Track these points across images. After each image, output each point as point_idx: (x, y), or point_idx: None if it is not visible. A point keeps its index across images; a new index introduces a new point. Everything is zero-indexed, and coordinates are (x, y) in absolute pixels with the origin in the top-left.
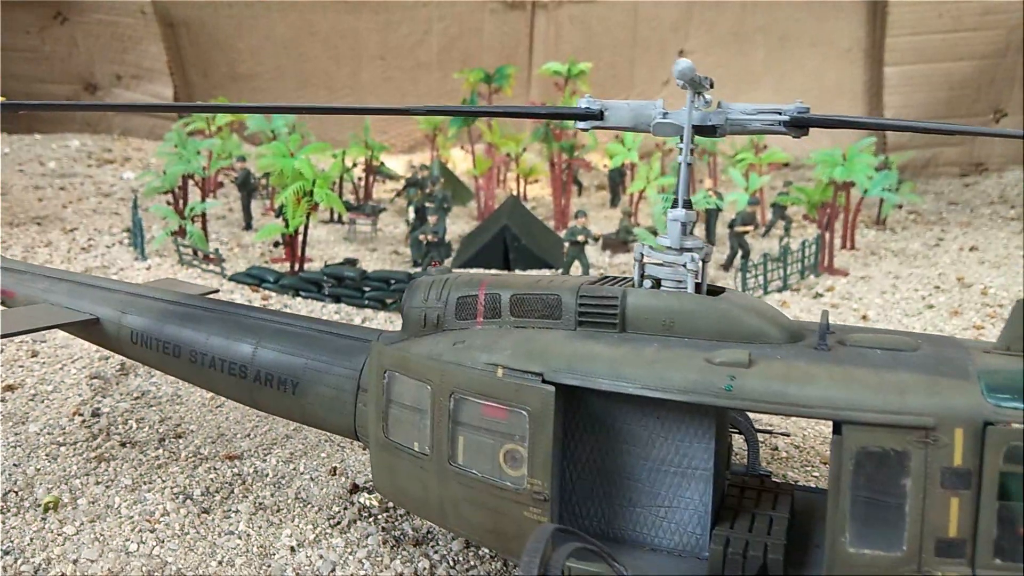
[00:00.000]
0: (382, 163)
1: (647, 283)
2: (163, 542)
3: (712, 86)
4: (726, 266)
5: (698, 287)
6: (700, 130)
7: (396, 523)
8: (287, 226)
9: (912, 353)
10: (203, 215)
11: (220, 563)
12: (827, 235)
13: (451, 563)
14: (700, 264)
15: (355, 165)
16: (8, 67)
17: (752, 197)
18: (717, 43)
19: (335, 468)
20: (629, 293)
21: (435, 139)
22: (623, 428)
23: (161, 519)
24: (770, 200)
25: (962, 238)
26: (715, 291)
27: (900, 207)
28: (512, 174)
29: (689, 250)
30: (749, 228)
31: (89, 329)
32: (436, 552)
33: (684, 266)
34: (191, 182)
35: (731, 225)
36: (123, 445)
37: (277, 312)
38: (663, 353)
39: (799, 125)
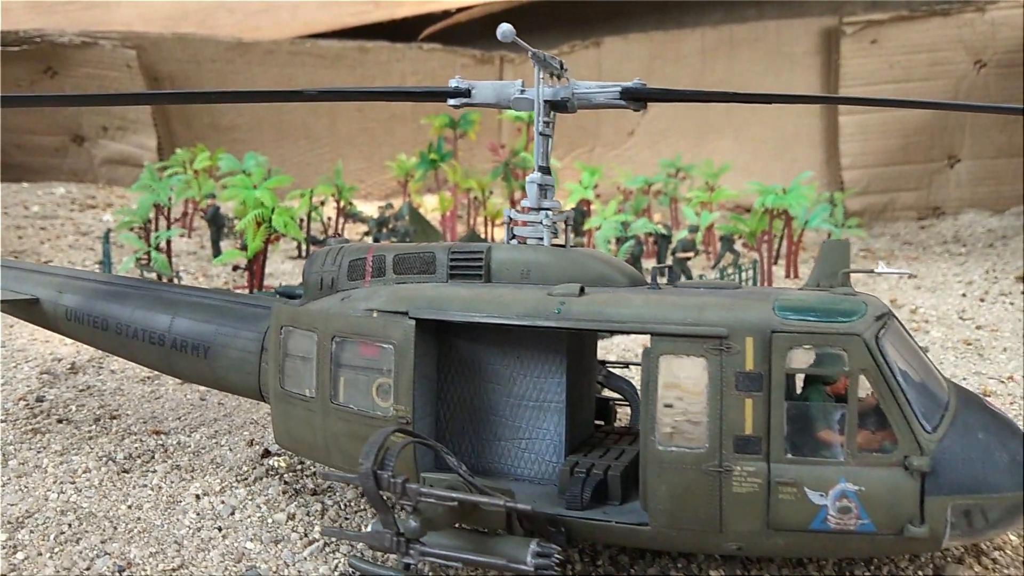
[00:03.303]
0: (350, 203)
1: (514, 241)
2: (80, 491)
3: (562, 67)
4: None
5: (561, 247)
6: (554, 105)
7: (299, 479)
8: (246, 250)
9: (729, 290)
10: (168, 243)
11: (129, 507)
12: (765, 262)
13: (342, 507)
14: (558, 224)
15: (323, 203)
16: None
17: (692, 226)
18: None
19: (252, 440)
20: (493, 248)
21: (407, 185)
22: (488, 368)
23: (83, 475)
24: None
25: (905, 268)
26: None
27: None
28: (480, 217)
29: (547, 209)
30: (690, 254)
31: (30, 309)
32: (331, 499)
33: (540, 223)
34: (161, 216)
35: (673, 252)
36: (60, 422)
37: (195, 288)
38: (512, 292)
39: (635, 98)
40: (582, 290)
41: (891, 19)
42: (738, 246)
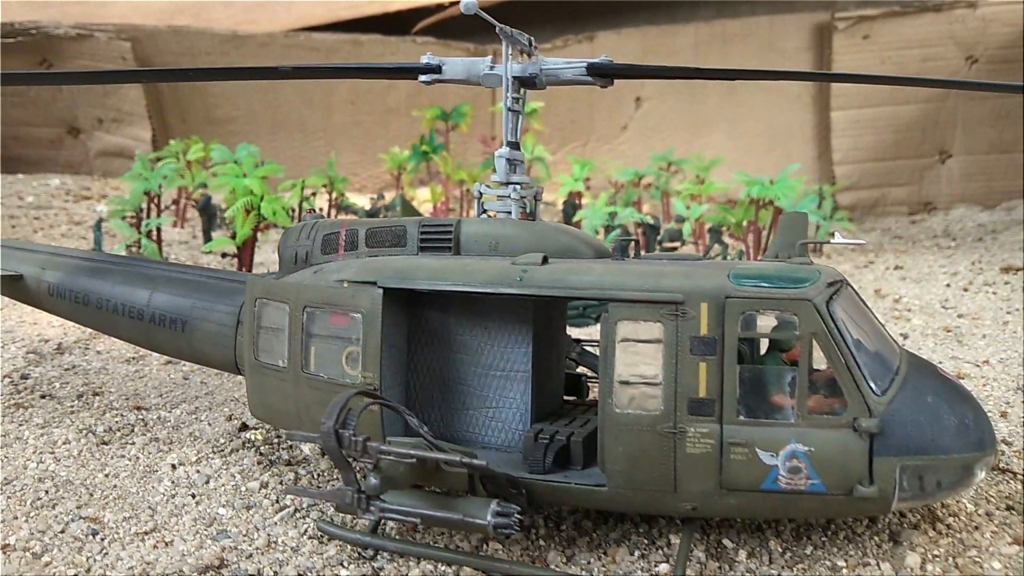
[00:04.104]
0: (343, 195)
1: (484, 215)
2: (59, 461)
3: (531, 44)
4: None
5: (530, 220)
6: (523, 81)
7: (275, 451)
8: (235, 238)
9: (690, 260)
10: (159, 231)
11: (107, 476)
12: (750, 252)
13: (315, 476)
14: (527, 199)
15: (314, 194)
16: None
17: (678, 216)
18: (671, 91)
19: (231, 415)
20: (463, 222)
21: (400, 177)
22: (457, 339)
23: (63, 446)
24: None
25: (892, 260)
26: None
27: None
28: (472, 210)
29: (515, 184)
30: (676, 244)
31: (15, 285)
32: (304, 469)
33: (509, 197)
34: (152, 205)
35: (660, 242)
36: (43, 398)
37: (174, 264)
38: (478, 263)
39: (601, 74)
40: (545, 259)
41: (883, 15)
42: (726, 237)
